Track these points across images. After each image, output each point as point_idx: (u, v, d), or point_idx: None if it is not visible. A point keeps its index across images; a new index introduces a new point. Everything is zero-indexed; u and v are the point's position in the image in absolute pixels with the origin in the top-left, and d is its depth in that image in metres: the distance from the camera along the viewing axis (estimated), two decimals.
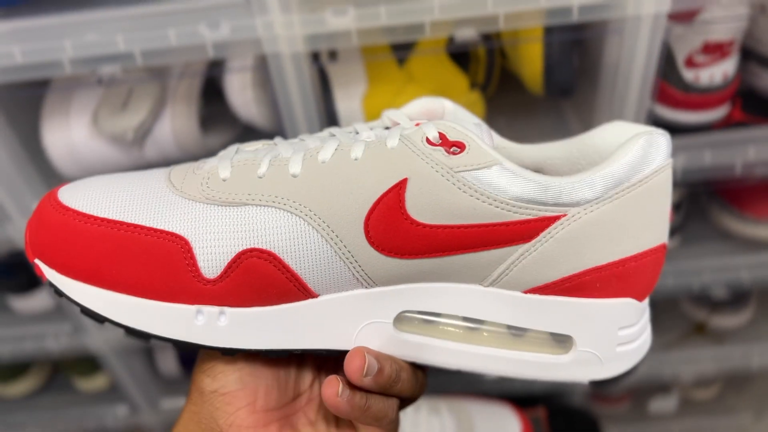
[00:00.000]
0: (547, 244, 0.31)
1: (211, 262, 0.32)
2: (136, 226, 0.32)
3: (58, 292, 0.33)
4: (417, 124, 0.33)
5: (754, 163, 0.58)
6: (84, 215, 0.32)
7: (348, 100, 0.56)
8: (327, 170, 0.32)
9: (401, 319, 0.34)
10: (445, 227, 0.31)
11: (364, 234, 0.31)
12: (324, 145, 0.33)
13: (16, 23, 0.48)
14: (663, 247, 0.33)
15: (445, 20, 0.48)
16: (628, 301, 0.33)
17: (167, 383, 0.83)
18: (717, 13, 0.53)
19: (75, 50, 0.48)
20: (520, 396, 0.77)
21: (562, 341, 0.34)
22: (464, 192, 0.31)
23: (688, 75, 0.57)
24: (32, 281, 0.72)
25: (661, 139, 0.32)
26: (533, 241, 0.31)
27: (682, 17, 0.54)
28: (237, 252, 0.31)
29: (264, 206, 0.32)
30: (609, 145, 0.34)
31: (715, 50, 0.56)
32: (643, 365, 0.79)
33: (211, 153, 0.61)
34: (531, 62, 0.55)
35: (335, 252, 0.32)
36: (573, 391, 0.83)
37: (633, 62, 0.51)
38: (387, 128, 0.35)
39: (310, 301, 0.33)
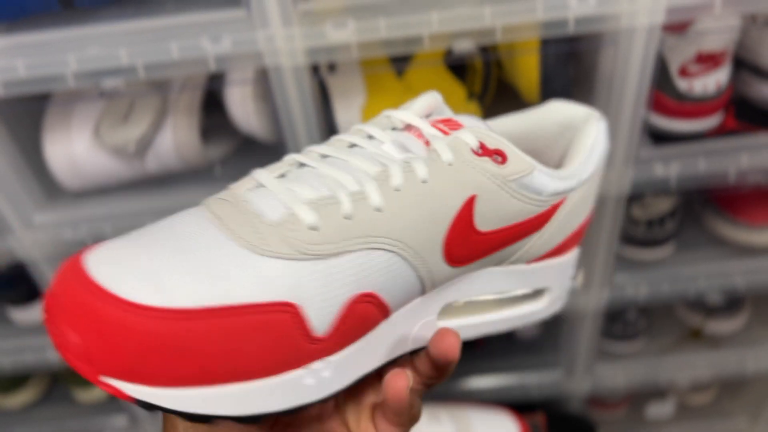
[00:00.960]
0: (553, 226, 0.36)
1: (322, 319, 0.29)
2: (238, 307, 0.27)
3: (150, 406, 0.27)
4: (433, 124, 0.34)
5: (747, 171, 0.59)
6: (167, 311, 0.26)
7: (347, 111, 0.56)
8: (405, 198, 0.31)
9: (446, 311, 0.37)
10: (499, 231, 0.34)
11: (443, 252, 0.33)
12: (388, 170, 0.32)
13: (20, 38, 0.48)
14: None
15: (444, 33, 0.48)
16: (574, 252, 0.41)
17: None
18: (710, 24, 0.54)
19: (78, 64, 0.48)
20: (519, 402, 0.78)
21: (536, 292, 0.41)
22: (515, 198, 0.34)
23: (682, 84, 0.58)
24: (32, 292, 0.72)
25: (601, 122, 0.41)
26: (545, 225, 0.36)
27: (675, 28, 0.55)
28: (344, 302, 0.30)
29: (362, 250, 0.30)
30: (553, 122, 0.42)
31: (708, 60, 0.57)
32: (639, 371, 0.80)
33: (211, 165, 0.62)
34: (527, 73, 0.56)
35: (418, 274, 0.32)
36: (571, 398, 0.84)
37: (627, 73, 0.52)
38: (394, 129, 0.36)
39: (383, 322, 0.33)
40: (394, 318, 0.33)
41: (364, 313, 0.31)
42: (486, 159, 0.33)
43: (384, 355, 0.34)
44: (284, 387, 0.29)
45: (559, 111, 0.42)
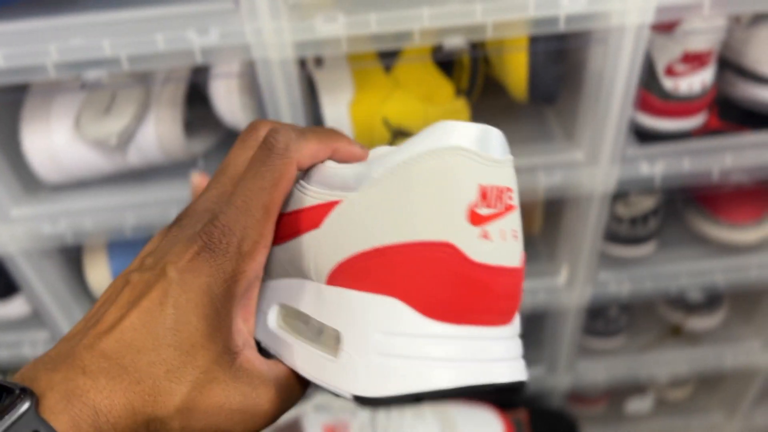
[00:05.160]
0: (330, 228, 0.30)
1: None
2: None
3: None
4: None
5: (730, 170, 0.60)
6: None
7: (334, 106, 0.56)
8: None
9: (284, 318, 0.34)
10: (284, 215, 0.32)
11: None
12: None
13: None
14: (446, 246, 0.27)
15: (434, 28, 0.48)
16: (391, 302, 0.28)
17: None
18: (696, 25, 0.55)
19: (60, 54, 0.47)
20: (502, 399, 0.78)
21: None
22: (296, 186, 0.32)
23: (668, 83, 0.58)
24: (9, 287, 0.70)
25: (466, 126, 0.28)
26: (321, 226, 0.30)
27: (663, 28, 0.55)
28: None
29: None
30: None
31: (694, 60, 0.57)
32: (620, 367, 0.81)
33: (194, 158, 0.61)
34: (516, 70, 0.56)
35: None
36: (552, 394, 0.84)
37: (616, 71, 0.52)
38: None
39: None
40: None
41: None
42: None
43: None
44: None
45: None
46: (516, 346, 0.30)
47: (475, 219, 0.27)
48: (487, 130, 0.28)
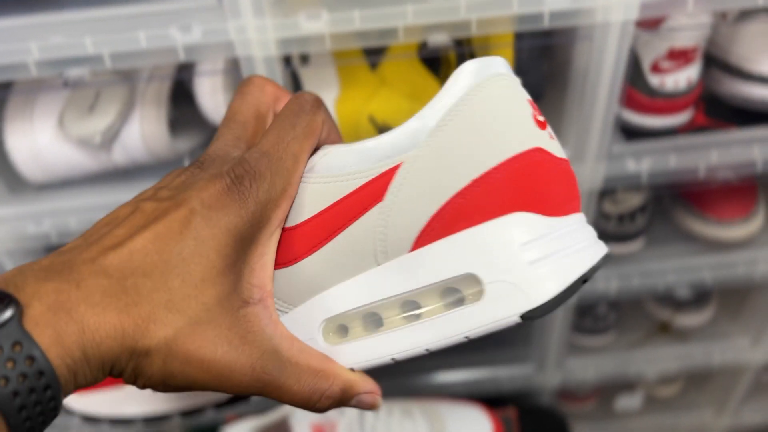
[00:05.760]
0: (401, 192, 0.30)
1: None
2: None
3: None
4: None
5: (716, 167, 0.60)
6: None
7: None
8: None
9: (331, 334, 0.33)
10: (310, 219, 0.31)
11: None
12: None
13: None
14: (536, 151, 0.30)
15: (419, 25, 0.48)
16: (516, 216, 0.29)
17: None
18: (681, 21, 0.55)
19: (41, 52, 0.47)
20: (491, 397, 0.78)
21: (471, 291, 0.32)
22: (314, 183, 0.32)
23: (654, 80, 0.58)
24: None
25: (494, 58, 0.32)
26: (386, 195, 0.30)
27: (648, 24, 0.55)
28: None
29: None
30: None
31: (680, 56, 0.57)
32: (609, 364, 0.81)
33: (180, 156, 0.60)
34: None
35: None
36: (542, 391, 0.84)
37: (601, 68, 0.52)
38: None
39: None
40: None
41: None
42: None
43: None
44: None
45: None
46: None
47: (540, 125, 0.31)
48: (502, 59, 0.32)
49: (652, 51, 0.57)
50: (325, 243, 0.31)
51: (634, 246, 0.72)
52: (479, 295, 0.30)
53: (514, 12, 0.47)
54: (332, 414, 0.64)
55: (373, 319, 0.32)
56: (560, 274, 0.29)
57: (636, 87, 0.59)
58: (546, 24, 0.48)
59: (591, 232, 0.32)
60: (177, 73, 0.58)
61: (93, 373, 0.26)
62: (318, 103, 0.33)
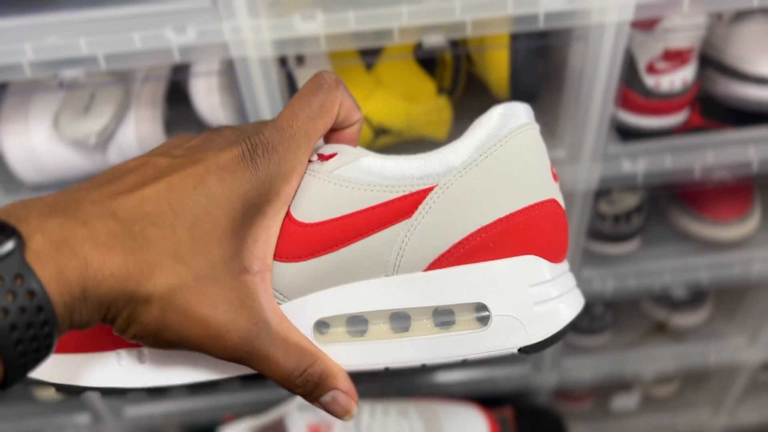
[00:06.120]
0: (428, 215, 0.32)
1: None
2: None
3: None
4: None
5: (712, 167, 0.60)
6: None
7: None
8: None
9: (323, 333, 0.34)
10: (331, 221, 0.32)
11: None
12: None
13: None
14: (552, 203, 0.33)
15: (414, 26, 0.48)
16: (530, 259, 0.33)
17: (123, 399, 0.81)
18: (677, 22, 0.55)
19: (35, 53, 0.47)
20: (487, 397, 0.78)
21: (485, 319, 0.34)
22: (341, 186, 0.32)
23: (650, 81, 0.58)
24: None
25: (519, 105, 0.34)
26: (414, 215, 0.32)
27: (643, 25, 0.55)
28: None
29: None
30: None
31: (675, 57, 0.57)
32: (606, 364, 0.81)
33: None
34: (497, 68, 0.56)
35: None
36: (538, 391, 0.84)
37: (597, 68, 0.52)
38: None
39: None
40: None
41: None
42: (316, 162, 0.33)
43: (237, 367, 0.33)
44: (94, 364, 0.32)
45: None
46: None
47: (555, 176, 0.34)
48: (528, 106, 0.34)
49: (648, 52, 0.57)
50: (341, 247, 0.32)
51: (630, 246, 0.72)
52: (481, 323, 0.33)
53: (509, 13, 0.47)
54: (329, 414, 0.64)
55: (369, 326, 0.33)
56: (556, 318, 0.33)
57: (631, 88, 0.59)
58: (541, 25, 0.48)
59: (573, 279, 0.36)
60: (172, 74, 0.58)
61: (89, 313, 0.26)
62: (337, 83, 0.33)
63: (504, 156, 0.32)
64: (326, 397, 0.32)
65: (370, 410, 0.66)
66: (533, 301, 0.32)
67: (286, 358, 0.30)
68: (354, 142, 0.36)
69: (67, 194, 0.27)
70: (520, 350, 0.33)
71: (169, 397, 0.81)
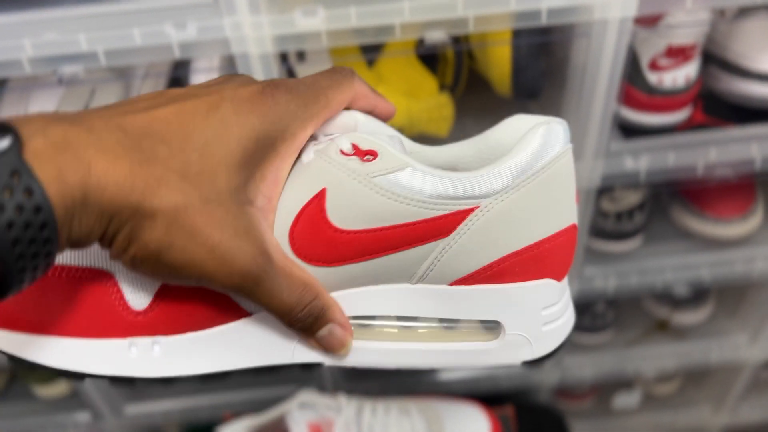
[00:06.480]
0: (465, 236, 0.32)
1: (138, 293, 0.31)
2: (58, 267, 0.31)
3: None
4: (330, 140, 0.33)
5: (715, 164, 0.60)
6: None
7: None
8: None
9: None
10: (368, 231, 0.31)
11: (290, 246, 0.32)
12: None
13: None
14: (573, 228, 0.34)
15: (416, 22, 0.48)
16: (548, 282, 0.34)
17: (131, 388, 0.81)
18: (680, 18, 0.55)
19: (35, 49, 0.46)
20: (488, 395, 0.78)
21: (491, 329, 0.35)
22: (382, 195, 0.31)
23: (652, 78, 0.58)
24: None
25: (559, 127, 0.33)
26: (452, 234, 0.32)
27: (646, 21, 0.55)
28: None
29: None
30: (512, 138, 0.35)
31: (678, 54, 0.57)
32: (607, 362, 0.81)
33: None
34: (499, 64, 0.55)
35: None
36: (539, 389, 0.84)
37: (599, 65, 0.52)
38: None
39: (243, 320, 0.33)
40: (258, 320, 0.33)
41: (196, 298, 0.31)
42: (353, 158, 0.31)
43: (252, 359, 0.34)
44: (107, 352, 0.31)
45: (517, 126, 0.35)
46: None
47: (577, 198, 0.35)
48: (565, 124, 0.33)
49: (651, 48, 0.57)
50: (375, 257, 0.32)
51: (632, 244, 0.72)
52: (486, 332, 0.35)
53: (511, 9, 0.47)
54: (329, 413, 0.64)
55: (377, 326, 0.35)
56: (557, 335, 0.35)
57: (634, 84, 0.58)
58: (544, 21, 0.48)
59: (569, 293, 0.37)
60: (172, 71, 0.58)
61: (89, 224, 0.25)
62: (354, 72, 0.34)
63: (544, 182, 0.32)
64: (323, 332, 0.32)
65: (371, 408, 0.66)
66: (543, 321, 0.35)
67: (290, 292, 0.30)
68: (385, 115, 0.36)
69: (73, 113, 0.26)
70: (523, 363, 0.36)
71: (169, 395, 0.80)
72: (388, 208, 0.31)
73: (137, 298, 0.31)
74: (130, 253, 0.27)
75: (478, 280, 0.33)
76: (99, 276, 0.31)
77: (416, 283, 0.33)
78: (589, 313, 0.82)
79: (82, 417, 0.79)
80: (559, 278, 0.35)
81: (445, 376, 0.80)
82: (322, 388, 0.76)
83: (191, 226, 0.27)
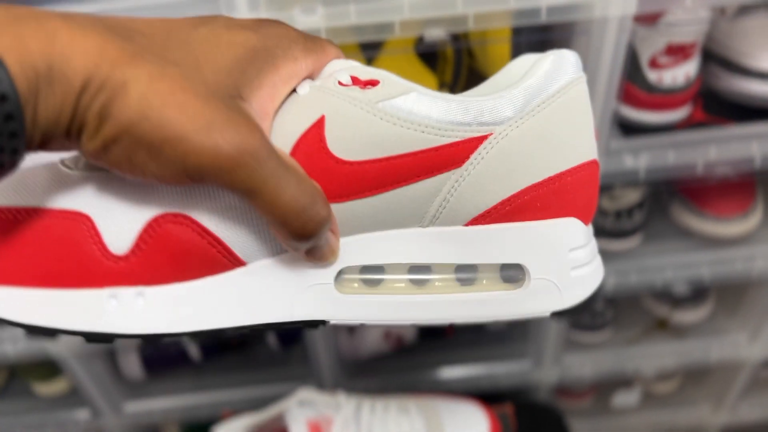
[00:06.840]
0: (480, 166, 0.29)
1: (119, 235, 0.28)
2: (22, 209, 0.28)
3: None
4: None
5: (714, 163, 0.60)
6: None
7: None
8: None
9: (343, 283, 0.32)
10: (372, 162, 0.29)
11: None
12: None
13: None
14: (594, 163, 0.32)
15: (415, 20, 0.48)
16: (573, 221, 0.31)
17: (130, 386, 0.81)
18: (680, 16, 0.54)
19: None
20: (488, 393, 0.78)
21: (514, 281, 0.32)
22: (387, 122, 0.28)
23: (652, 76, 0.58)
24: None
25: (570, 54, 0.31)
26: (465, 164, 0.29)
27: (646, 19, 0.55)
28: (148, 220, 0.28)
29: None
30: (521, 70, 0.33)
31: (678, 52, 0.57)
32: (606, 361, 0.81)
33: None
34: (499, 62, 0.55)
35: None
36: (539, 388, 0.84)
37: (599, 63, 0.52)
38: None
39: (238, 270, 0.30)
40: (255, 270, 0.30)
41: (182, 239, 0.28)
42: (352, 88, 0.29)
43: (249, 315, 0.30)
44: (81, 304, 0.28)
45: (525, 62, 0.33)
46: None
47: (596, 135, 0.33)
48: (576, 54, 0.32)
49: (651, 46, 0.57)
50: (382, 192, 0.29)
51: (631, 242, 0.72)
52: (508, 282, 0.31)
53: (511, 6, 0.47)
54: (328, 410, 0.64)
55: (387, 278, 0.31)
56: (587, 284, 0.32)
57: (634, 82, 0.58)
58: (543, 19, 0.48)
59: (595, 242, 0.34)
60: None
61: (56, 102, 0.22)
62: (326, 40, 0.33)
63: (558, 109, 0.30)
64: (321, 240, 0.29)
65: (370, 406, 0.66)
66: (571, 265, 0.31)
67: (302, 191, 0.27)
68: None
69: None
70: (553, 314, 0.32)
71: (169, 393, 0.80)
72: (394, 135, 0.28)
73: (118, 240, 0.28)
74: (102, 135, 0.24)
75: (496, 217, 0.30)
76: (73, 217, 0.28)
77: (428, 225, 0.30)
78: (588, 311, 0.82)
79: (82, 414, 0.79)
80: (584, 219, 0.32)
81: (444, 375, 0.80)
82: (321, 385, 0.76)
83: (169, 92, 0.23)
